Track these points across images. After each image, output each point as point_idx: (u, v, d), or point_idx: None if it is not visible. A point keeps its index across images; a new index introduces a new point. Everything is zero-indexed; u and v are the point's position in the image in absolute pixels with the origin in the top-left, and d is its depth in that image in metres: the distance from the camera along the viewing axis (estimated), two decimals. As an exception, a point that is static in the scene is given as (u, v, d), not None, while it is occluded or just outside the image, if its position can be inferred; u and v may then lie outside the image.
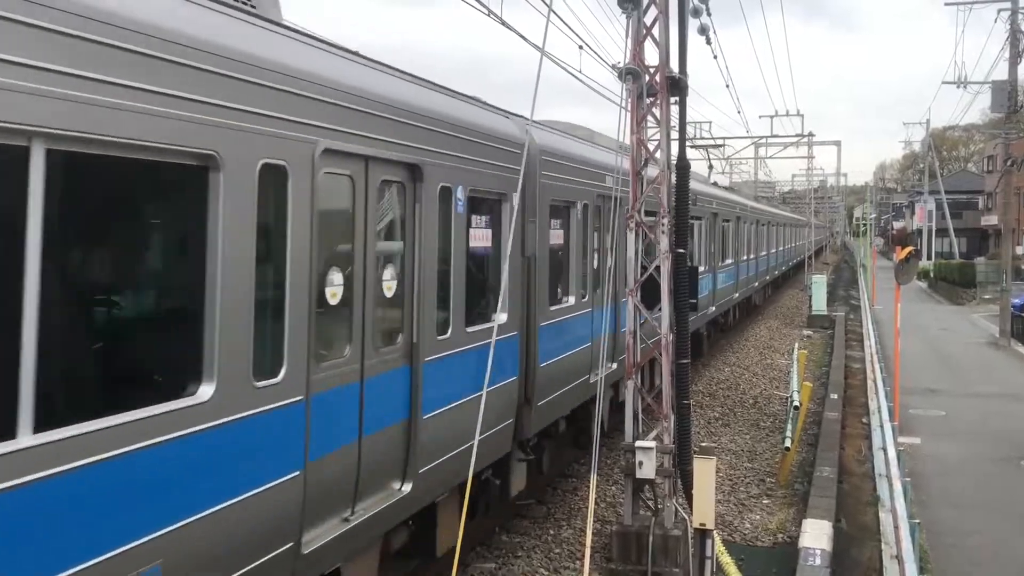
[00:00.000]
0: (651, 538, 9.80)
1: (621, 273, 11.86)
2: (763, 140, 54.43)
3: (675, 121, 10.80)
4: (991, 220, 72.36)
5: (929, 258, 68.09)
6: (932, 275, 59.93)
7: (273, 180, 5.65)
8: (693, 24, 14.98)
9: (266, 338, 5.66)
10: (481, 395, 7.54)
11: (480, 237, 9.16)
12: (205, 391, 5.09)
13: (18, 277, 4.13)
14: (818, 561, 9.76)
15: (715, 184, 31.84)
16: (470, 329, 8.54)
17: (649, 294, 10.58)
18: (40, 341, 4.18)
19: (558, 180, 11.03)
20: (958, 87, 38.45)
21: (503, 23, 12.37)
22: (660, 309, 10.30)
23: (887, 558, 9.85)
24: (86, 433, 4.33)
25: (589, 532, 8.14)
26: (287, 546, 5.83)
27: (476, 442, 7.07)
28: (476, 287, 9.04)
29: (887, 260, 63.29)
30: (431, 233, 7.79)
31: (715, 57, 21.97)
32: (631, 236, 10.61)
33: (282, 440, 5.78)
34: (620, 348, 12.13)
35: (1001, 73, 33.47)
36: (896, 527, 9.66)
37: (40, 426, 4.17)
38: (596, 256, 12.73)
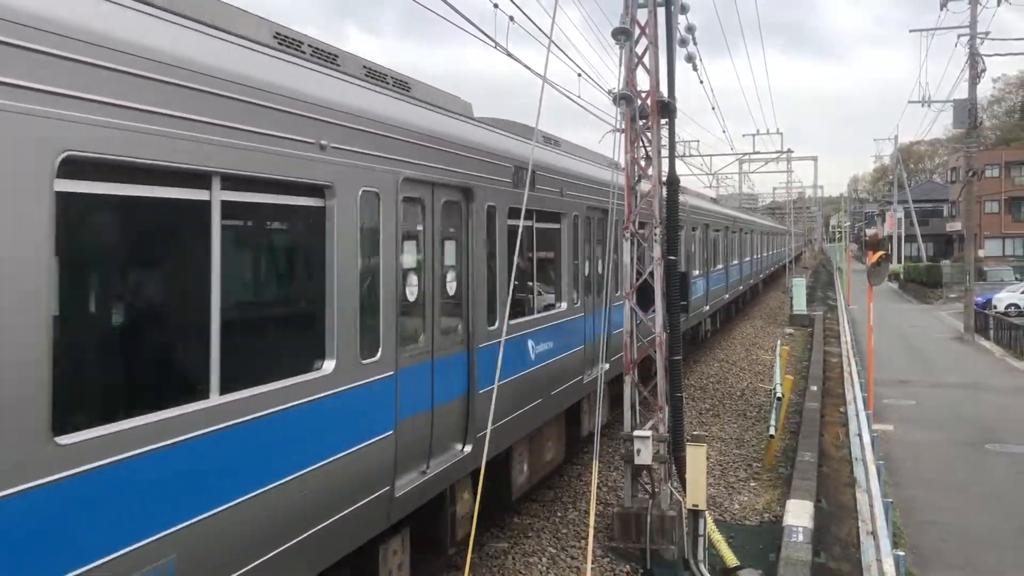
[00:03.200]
0: (649, 518, 9.81)
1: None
2: (746, 156, 54.48)
3: (665, 140, 10.84)
4: (955, 226, 72.04)
5: (899, 261, 67.82)
6: (902, 277, 59.74)
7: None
8: (681, 53, 14.99)
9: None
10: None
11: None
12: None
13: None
14: (801, 537, 9.75)
15: (729, 205, 41.09)
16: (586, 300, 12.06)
17: (644, 297, 10.62)
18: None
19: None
20: (923, 105, 38.35)
21: (508, 54, 12.42)
22: (654, 310, 10.34)
23: (864, 534, 9.83)
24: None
25: (592, 514, 8.16)
26: None
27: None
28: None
29: (861, 264, 63.08)
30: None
31: (701, 82, 22.00)
32: (626, 245, 10.64)
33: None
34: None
35: (962, 92, 33.42)
36: (871, 506, 9.64)
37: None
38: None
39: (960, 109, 32.93)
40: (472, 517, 8.71)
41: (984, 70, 32.37)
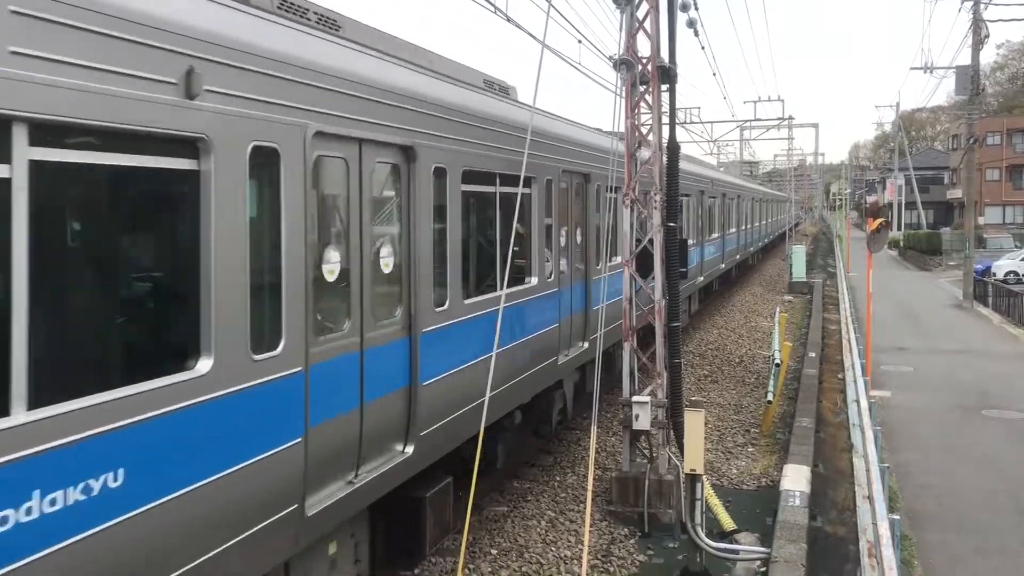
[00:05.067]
0: (647, 483, 9.87)
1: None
2: (747, 123, 54.12)
3: (666, 107, 10.74)
4: (956, 194, 71.80)
5: (899, 229, 67.67)
6: (902, 244, 59.62)
7: None
8: (682, 18, 14.82)
9: None
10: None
11: None
12: None
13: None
14: (798, 502, 9.80)
15: (740, 176, 44.87)
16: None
17: (643, 264, 10.58)
18: None
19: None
20: (925, 72, 38.06)
21: (508, 19, 12.26)
22: (654, 277, 10.31)
23: (860, 498, 9.86)
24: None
25: (591, 478, 8.19)
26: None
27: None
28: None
29: (861, 231, 62.94)
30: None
31: (703, 48, 21.81)
32: (626, 212, 10.58)
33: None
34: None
35: (964, 58, 33.22)
36: (868, 471, 9.65)
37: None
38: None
39: (962, 76, 32.64)
40: None
41: (987, 36, 32.03)
